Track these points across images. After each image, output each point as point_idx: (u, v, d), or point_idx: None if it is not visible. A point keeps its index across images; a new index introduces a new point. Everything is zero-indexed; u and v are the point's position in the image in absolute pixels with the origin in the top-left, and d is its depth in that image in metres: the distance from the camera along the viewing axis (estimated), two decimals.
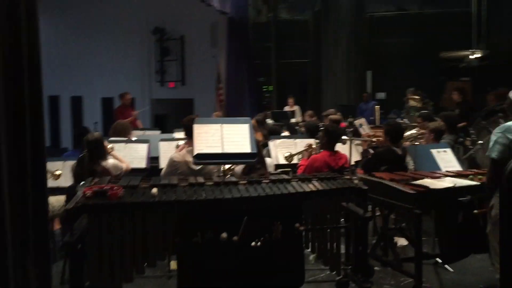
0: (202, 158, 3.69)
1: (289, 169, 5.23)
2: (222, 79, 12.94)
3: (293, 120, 11.08)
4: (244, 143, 3.77)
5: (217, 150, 3.71)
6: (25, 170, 2.10)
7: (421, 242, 3.45)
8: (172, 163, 4.19)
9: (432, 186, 3.43)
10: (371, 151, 5.50)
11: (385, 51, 13.96)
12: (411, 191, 3.39)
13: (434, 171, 4.17)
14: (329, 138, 4.61)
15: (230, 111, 12.40)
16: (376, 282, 3.90)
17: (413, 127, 7.04)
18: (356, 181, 3.53)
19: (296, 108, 11.97)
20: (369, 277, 3.54)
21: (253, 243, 3.25)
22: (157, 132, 6.95)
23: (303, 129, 8.93)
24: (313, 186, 3.42)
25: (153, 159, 5.17)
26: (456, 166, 4.35)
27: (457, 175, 3.89)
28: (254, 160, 3.86)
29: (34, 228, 2.18)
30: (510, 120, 3.43)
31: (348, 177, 3.64)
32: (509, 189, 2.06)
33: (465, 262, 4.17)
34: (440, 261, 4.13)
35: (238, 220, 3.24)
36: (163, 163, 4.97)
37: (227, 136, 3.78)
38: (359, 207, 3.42)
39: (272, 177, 3.60)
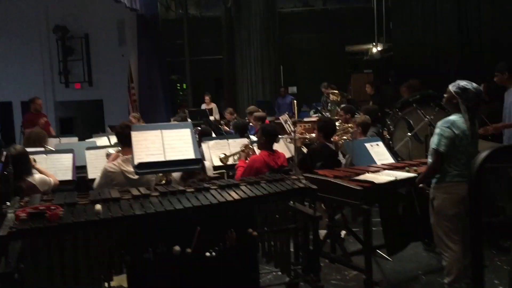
0: (143, 167, 3.49)
1: (223, 171, 5.16)
2: (134, 78, 12.46)
3: (211, 118, 10.97)
4: (187, 149, 3.62)
5: (159, 158, 3.53)
6: None
7: (371, 236, 3.54)
8: (106, 174, 3.92)
9: (376, 181, 3.53)
10: (304, 148, 5.57)
11: (294, 46, 14.32)
12: (358, 187, 3.46)
13: (370, 164, 4.31)
14: (268, 138, 4.57)
15: (144, 111, 12.00)
16: (323, 279, 3.93)
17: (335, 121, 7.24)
18: (303, 181, 3.53)
19: (213, 105, 11.86)
20: (319, 276, 3.57)
21: (207, 254, 3.13)
22: (75, 139, 6.49)
23: (225, 127, 8.88)
24: (264, 189, 3.36)
25: (79, 169, 4.80)
26: (389, 159, 4.53)
27: (393, 167, 4.05)
28: (199, 167, 3.72)
29: None
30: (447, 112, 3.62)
31: (295, 177, 3.62)
32: (478, 183, 2.14)
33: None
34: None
35: (190, 231, 3.11)
36: (92, 174, 4.65)
37: (168, 143, 3.60)
38: (309, 207, 3.43)
39: (219, 182, 3.50)
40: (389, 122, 6.91)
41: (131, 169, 3.92)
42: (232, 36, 12.68)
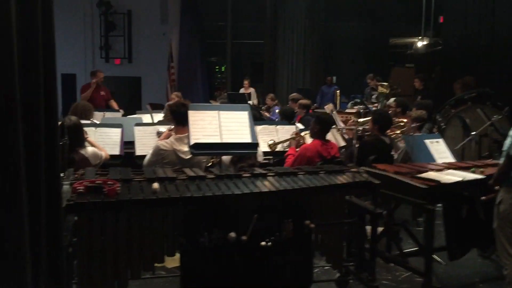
0: (199, 148, 3.36)
1: (271, 157, 5.02)
2: (174, 57, 12.39)
3: (249, 103, 10.83)
4: (244, 132, 3.48)
5: (216, 139, 3.40)
6: (39, 154, 1.75)
7: (433, 238, 3.35)
8: (158, 152, 3.82)
9: (442, 181, 3.33)
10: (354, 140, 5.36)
11: (335, 34, 13.97)
12: (423, 186, 3.26)
13: (430, 162, 4.10)
14: (322, 127, 4.40)
15: (183, 91, 11.89)
16: None
17: None
18: (364, 175, 3.36)
19: (251, 90, 11.69)
20: (375, 275, 3.41)
21: (263, 243, 3.00)
22: (118, 114, 6.44)
23: (266, 113, 8.72)
24: (324, 180, 3.20)
25: (126, 144, 4.73)
26: (449, 157, 4.29)
27: (458, 167, 3.83)
28: (256, 151, 3.58)
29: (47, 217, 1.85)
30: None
31: (354, 169, 3.45)
32: None
33: None
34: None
35: (246, 217, 2.98)
36: (139, 150, 4.57)
37: (225, 125, 3.47)
38: (371, 202, 3.26)
39: (276, 169, 3.35)
40: (440, 119, 6.63)
41: (183, 148, 3.81)
42: (276, 20, 12.43)
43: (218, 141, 3.40)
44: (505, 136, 5.30)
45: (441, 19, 13.54)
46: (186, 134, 3.88)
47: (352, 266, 3.56)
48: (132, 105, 10.37)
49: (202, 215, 2.93)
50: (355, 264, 3.51)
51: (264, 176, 3.23)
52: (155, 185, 2.85)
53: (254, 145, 3.49)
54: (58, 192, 1.95)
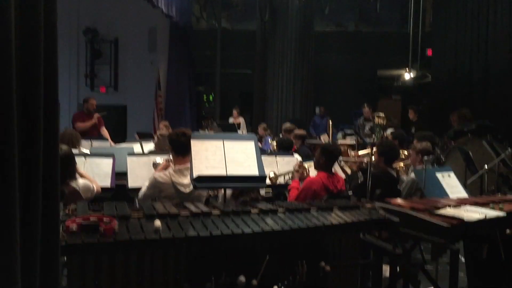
0: (202, 181, 3.09)
1: (270, 190, 4.75)
2: (162, 86, 12.17)
3: (239, 132, 10.61)
4: (250, 164, 3.23)
5: (220, 172, 3.13)
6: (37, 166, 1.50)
7: (457, 281, 3.09)
8: (155, 184, 3.53)
9: (466, 218, 3.10)
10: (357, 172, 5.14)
11: (323, 66, 13.94)
12: (445, 224, 3.02)
13: (443, 197, 3.88)
14: (328, 158, 4.16)
15: (170, 120, 11.66)
16: None
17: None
18: (381, 211, 3.11)
19: (241, 120, 11.49)
20: None
21: (275, 287, 2.71)
22: (106, 144, 6.13)
23: (258, 143, 8.49)
24: (339, 217, 2.94)
25: (117, 176, 4.42)
26: (462, 192, 4.08)
27: (474, 203, 3.61)
28: (265, 185, 3.32)
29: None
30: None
31: (369, 206, 3.21)
32: None
33: None
34: None
35: (256, 259, 2.70)
36: (132, 182, 4.27)
37: (231, 156, 3.21)
38: (389, 241, 3.01)
39: (286, 205, 3.09)
40: (438, 152, 6.48)
41: (183, 181, 3.53)
42: (266, 50, 12.36)
43: (223, 173, 3.13)
44: None
45: (428, 52, 13.68)
46: (186, 165, 3.61)
47: None
48: (117, 134, 10.04)
49: (208, 257, 2.64)
50: None
51: (274, 212, 2.97)
52: (157, 222, 2.55)
53: (262, 178, 3.23)
54: (57, 227, 1.67)
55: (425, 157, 5.08)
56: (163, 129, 8.62)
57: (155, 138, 5.97)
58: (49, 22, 1.47)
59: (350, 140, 9.49)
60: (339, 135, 10.82)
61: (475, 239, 3.26)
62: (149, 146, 6.35)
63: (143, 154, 4.74)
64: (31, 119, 1.45)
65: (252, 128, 12.09)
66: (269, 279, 2.70)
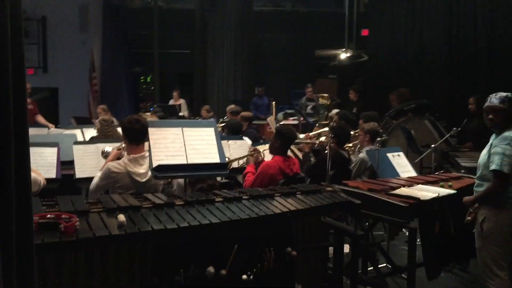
0: (162, 170, 2.97)
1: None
2: (96, 68, 11.64)
3: (180, 114, 10.40)
4: (211, 151, 3.14)
5: (181, 160, 3.03)
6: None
7: (415, 258, 3.21)
8: (109, 174, 3.35)
9: (422, 198, 3.21)
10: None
11: (262, 46, 13.90)
12: (404, 204, 3.12)
13: (395, 177, 4.00)
14: (283, 142, 4.15)
15: (106, 103, 11.21)
16: None
17: (324, 126, 6.95)
18: (342, 194, 3.15)
19: (181, 101, 11.24)
20: None
21: (244, 276, 2.68)
22: (44, 130, 5.79)
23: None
24: (304, 202, 2.95)
25: (62, 165, 4.17)
26: (412, 171, 4.24)
27: (426, 182, 3.75)
28: (226, 172, 3.25)
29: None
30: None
31: (330, 189, 3.24)
32: None
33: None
34: None
35: (224, 249, 2.65)
36: (80, 172, 4.06)
37: (190, 143, 3.10)
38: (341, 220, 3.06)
39: (251, 192, 3.05)
40: (380, 131, 6.68)
41: (139, 170, 3.39)
42: (205, 30, 12.11)
43: (184, 162, 3.03)
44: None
45: (363, 32, 14.02)
46: (142, 153, 3.48)
47: None
48: (48, 119, 9.49)
49: (175, 250, 2.55)
50: None
51: (238, 200, 2.92)
52: (121, 217, 2.43)
53: (224, 166, 3.16)
54: (30, 222, 1.54)
55: (378, 138, 5.21)
56: (101, 113, 8.28)
57: (97, 123, 5.68)
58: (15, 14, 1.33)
59: (292, 121, 9.59)
60: (280, 115, 10.88)
61: (427, 216, 3.39)
62: (90, 132, 6.07)
63: (90, 142, 4.50)
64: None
65: (193, 110, 11.89)
66: (238, 268, 2.66)
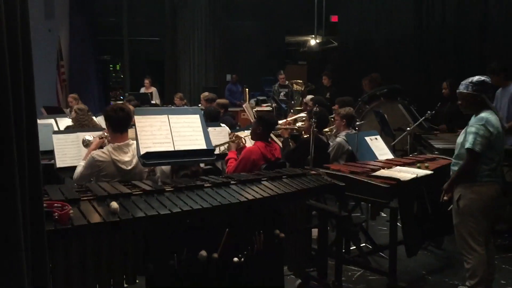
0: (150, 157, 2.98)
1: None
2: (64, 56, 11.38)
3: (153, 102, 10.31)
4: (197, 138, 3.17)
5: (168, 147, 3.04)
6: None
7: (396, 237, 3.34)
8: (93, 163, 3.34)
9: (402, 178, 3.33)
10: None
11: (232, 32, 13.86)
12: (385, 185, 3.23)
13: (373, 159, 4.13)
14: (265, 128, 4.20)
15: (75, 92, 11.00)
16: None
17: (299, 111, 7.05)
18: (326, 177, 3.24)
19: (153, 89, 11.14)
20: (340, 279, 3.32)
21: (235, 259, 2.74)
22: None
23: None
24: (291, 186, 3.02)
25: (42, 155, 4.11)
26: (389, 154, 4.37)
27: (404, 163, 3.89)
28: (213, 158, 3.29)
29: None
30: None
31: (314, 172, 3.33)
32: None
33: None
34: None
35: (215, 232, 2.71)
36: (61, 162, 4.01)
37: (177, 130, 3.12)
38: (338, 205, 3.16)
39: (238, 177, 3.11)
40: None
41: (124, 158, 3.40)
42: (175, 17, 11.98)
43: (171, 149, 3.05)
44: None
45: (332, 19, 14.14)
46: (126, 141, 3.48)
47: (314, 272, 3.43)
48: None
49: (169, 235, 2.59)
50: (318, 269, 3.39)
51: (226, 185, 2.97)
52: (114, 204, 2.44)
53: (210, 152, 3.19)
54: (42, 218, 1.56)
55: (357, 123, 5.31)
56: (73, 102, 8.15)
57: (72, 113, 5.59)
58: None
59: (265, 107, 9.66)
60: (252, 102, 10.93)
61: (407, 196, 3.52)
62: (65, 121, 5.98)
63: (70, 131, 4.44)
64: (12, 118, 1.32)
65: (164, 98, 11.80)
66: (229, 251, 2.72)
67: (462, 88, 3.34)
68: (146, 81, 11.05)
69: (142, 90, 11.10)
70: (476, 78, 3.34)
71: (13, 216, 1.25)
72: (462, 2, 6.91)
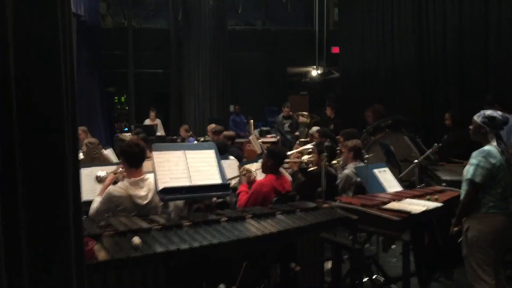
0: (168, 192, 3.06)
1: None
2: None
3: (158, 135, 10.43)
4: (213, 173, 3.25)
5: (185, 182, 3.12)
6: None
7: (409, 269, 3.38)
8: (110, 198, 3.40)
9: (413, 211, 3.39)
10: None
11: (235, 64, 14.08)
12: (397, 218, 3.30)
13: (382, 192, 4.19)
14: (275, 161, 4.29)
15: (81, 124, 11.13)
16: None
17: (305, 143, 7.13)
18: (339, 211, 3.31)
19: (158, 121, 11.27)
20: None
21: None
22: None
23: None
24: (304, 219, 3.09)
25: None
26: (397, 186, 4.43)
27: (413, 196, 3.95)
28: (229, 193, 3.37)
29: None
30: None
31: (326, 205, 3.39)
32: None
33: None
34: None
35: (234, 267, 2.76)
36: None
37: (193, 165, 3.21)
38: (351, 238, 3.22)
39: (253, 211, 3.18)
40: None
41: (140, 193, 3.46)
42: (180, 50, 12.22)
43: (188, 184, 3.13)
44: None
45: (333, 50, 14.42)
46: (141, 176, 3.55)
47: None
48: None
49: (188, 269, 2.65)
50: None
51: (242, 219, 3.03)
52: (136, 239, 2.51)
53: (226, 186, 3.27)
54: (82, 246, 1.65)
55: (366, 155, 5.38)
56: (82, 134, 8.24)
57: (83, 146, 5.68)
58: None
59: (270, 138, 9.77)
60: (256, 132, 11.03)
61: (418, 228, 3.58)
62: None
63: (83, 165, 4.51)
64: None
65: (169, 129, 11.92)
66: (247, 285, 2.77)
67: (476, 116, 3.52)
68: (152, 113, 11.16)
69: (147, 121, 11.22)
70: (489, 112, 3.51)
71: (68, 254, 1.32)
72: (464, 32, 7.07)
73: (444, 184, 4.70)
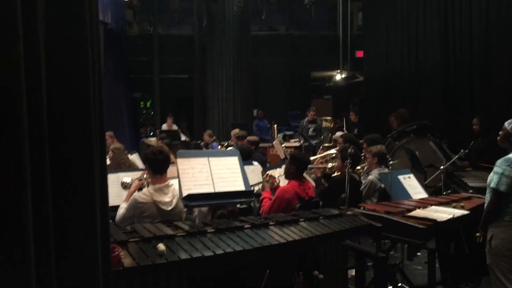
0: (192, 199, 3.10)
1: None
2: None
3: (183, 140, 10.52)
4: (236, 179, 3.28)
5: (209, 189, 3.16)
6: None
7: (435, 277, 3.34)
8: (136, 205, 3.47)
9: (438, 219, 3.35)
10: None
11: (258, 69, 14.12)
12: (422, 226, 3.26)
13: (407, 199, 4.15)
14: (298, 167, 4.29)
15: (107, 129, 11.32)
16: None
17: (328, 148, 7.11)
18: (363, 218, 3.29)
19: (174, 127, 11.36)
20: None
21: None
22: None
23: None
24: (327, 227, 3.08)
25: None
26: (423, 193, 4.39)
27: (439, 203, 3.90)
28: (252, 200, 3.39)
29: None
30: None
31: (350, 212, 3.38)
32: None
33: None
34: None
35: (257, 274, 2.77)
36: None
37: (217, 172, 3.25)
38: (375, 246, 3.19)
39: (275, 218, 3.19)
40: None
41: (164, 199, 3.51)
42: (204, 55, 12.34)
43: (212, 190, 3.17)
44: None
45: (357, 54, 14.35)
46: (166, 183, 3.60)
47: None
48: None
49: (211, 276, 2.67)
50: None
51: (265, 226, 3.04)
52: (161, 246, 2.55)
53: (249, 193, 3.30)
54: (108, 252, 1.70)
55: (391, 162, 5.34)
56: (109, 139, 8.37)
57: (110, 152, 5.79)
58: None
59: (293, 143, 9.76)
60: (279, 137, 11.04)
61: (443, 237, 3.54)
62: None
63: (110, 171, 4.60)
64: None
65: (193, 134, 12.03)
66: None
67: (507, 122, 3.50)
68: (169, 119, 11.16)
69: (164, 127, 11.30)
70: None
71: (95, 260, 1.36)
72: (491, 36, 6.96)
73: (471, 191, 4.63)
